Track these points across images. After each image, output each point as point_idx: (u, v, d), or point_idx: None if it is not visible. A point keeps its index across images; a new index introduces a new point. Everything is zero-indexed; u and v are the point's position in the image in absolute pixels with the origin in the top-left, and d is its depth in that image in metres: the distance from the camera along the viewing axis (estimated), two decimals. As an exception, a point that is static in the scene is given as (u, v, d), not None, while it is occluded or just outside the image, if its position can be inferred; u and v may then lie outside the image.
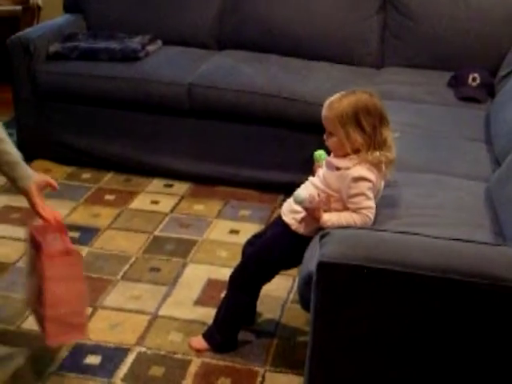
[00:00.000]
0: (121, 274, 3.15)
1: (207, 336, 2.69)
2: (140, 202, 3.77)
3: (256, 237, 2.73)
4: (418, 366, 2.01)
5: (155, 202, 3.77)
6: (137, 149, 4.00)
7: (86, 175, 4.03)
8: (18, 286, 2.92)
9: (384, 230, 2.13)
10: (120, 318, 2.86)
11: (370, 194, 2.40)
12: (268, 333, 2.81)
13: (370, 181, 2.39)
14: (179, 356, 2.67)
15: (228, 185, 3.93)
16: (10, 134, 4.24)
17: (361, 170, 2.39)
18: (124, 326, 2.82)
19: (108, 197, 3.81)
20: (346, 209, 2.43)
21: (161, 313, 2.90)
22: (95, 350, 2.67)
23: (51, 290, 2.35)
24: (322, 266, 1.98)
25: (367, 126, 2.38)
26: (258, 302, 2.77)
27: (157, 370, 2.60)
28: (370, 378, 2.07)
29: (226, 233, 3.50)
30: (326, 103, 2.46)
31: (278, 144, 3.81)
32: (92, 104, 3.99)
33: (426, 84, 3.81)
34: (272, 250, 2.56)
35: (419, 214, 2.50)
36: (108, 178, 4.01)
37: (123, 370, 2.59)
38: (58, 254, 2.36)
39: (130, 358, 2.65)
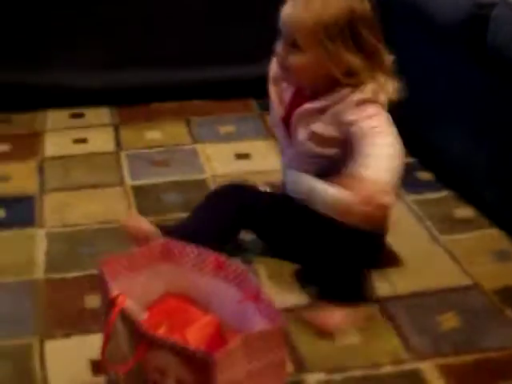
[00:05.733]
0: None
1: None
2: (58, 146, 2.28)
3: None
4: None
5: (82, 141, 2.31)
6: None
7: None
8: None
9: None
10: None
11: None
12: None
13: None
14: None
15: (163, 99, 2.54)
16: None
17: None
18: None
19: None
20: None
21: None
22: None
23: None
24: None
25: (368, 43, 1.53)
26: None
27: None
28: None
29: (233, 159, 2.21)
30: None
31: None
32: None
33: None
34: None
35: None
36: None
37: None
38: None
39: None
